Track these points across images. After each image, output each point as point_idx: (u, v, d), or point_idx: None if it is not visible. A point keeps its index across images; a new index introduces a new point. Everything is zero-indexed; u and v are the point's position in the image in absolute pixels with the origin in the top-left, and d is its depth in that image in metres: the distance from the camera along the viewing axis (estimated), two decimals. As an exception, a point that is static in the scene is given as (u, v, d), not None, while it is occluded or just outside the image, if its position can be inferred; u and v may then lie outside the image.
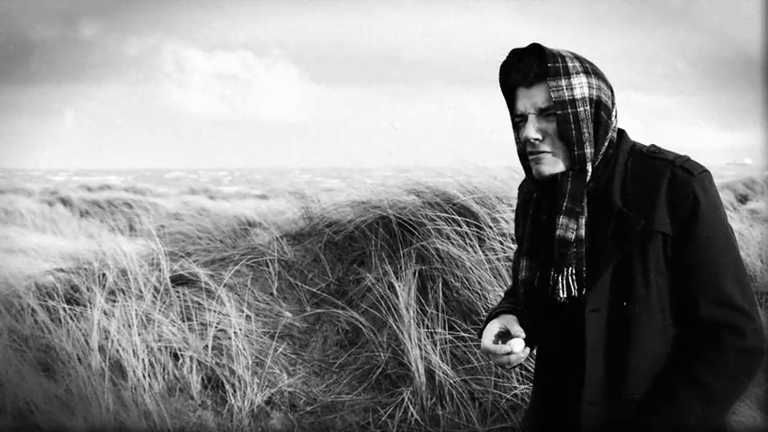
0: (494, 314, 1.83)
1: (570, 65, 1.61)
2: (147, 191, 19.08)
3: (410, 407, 4.01)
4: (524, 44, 1.67)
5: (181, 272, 4.83)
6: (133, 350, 4.23)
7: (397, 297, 4.35)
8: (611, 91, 1.66)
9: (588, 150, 1.62)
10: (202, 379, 4.26)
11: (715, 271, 1.57)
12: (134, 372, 4.12)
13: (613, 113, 1.66)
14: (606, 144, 1.64)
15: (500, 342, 1.74)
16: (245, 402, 4.12)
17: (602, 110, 1.62)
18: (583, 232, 1.64)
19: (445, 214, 4.66)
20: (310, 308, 4.76)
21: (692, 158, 1.64)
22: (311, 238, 5.26)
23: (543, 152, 1.64)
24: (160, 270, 4.80)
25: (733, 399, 1.56)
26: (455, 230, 4.57)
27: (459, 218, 4.61)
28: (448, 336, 4.20)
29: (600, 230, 1.64)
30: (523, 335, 1.70)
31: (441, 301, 4.35)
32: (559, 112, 1.60)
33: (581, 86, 1.60)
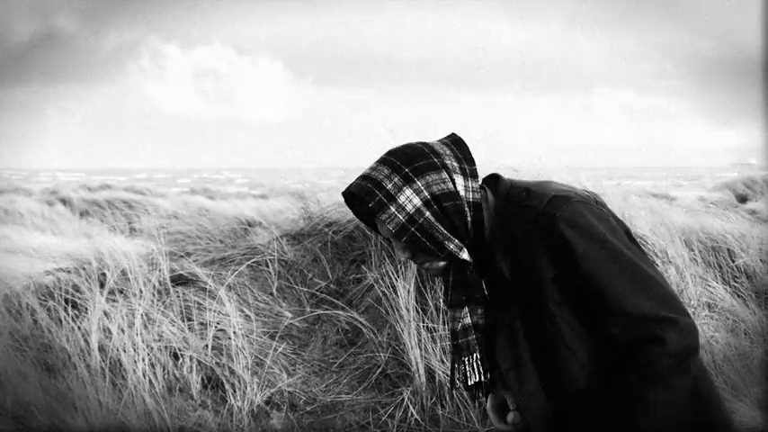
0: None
1: (390, 186, 1.61)
2: (146, 191, 19.09)
3: (410, 407, 4.01)
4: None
5: (181, 272, 4.83)
6: (133, 350, 4.23)
7: (397, 297, 4.35)
8: (446, 167, 1.64)
9: (452, 246, 1.64)
10: (202, 379, 4.26)
11: (611, 295, 1.55)
12: (134, 372, 4.12)
13: (458, 188, 1.64)
14: (469, 218, 1.65)
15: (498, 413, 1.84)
16: (245, 402, 4.12)
17: (443, 201, 1.62)
18: (475, 317, 1.69)
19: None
20: (310, 308, 4.76)
21: (558, 194, 1.62)
22: (311, 237, 5.26)
23: (420, 262, 1.70)
24: (160, 270, 4.80)
25: (674, 401, 1.54)
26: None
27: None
28: (448, 335, 4.20)
29: (496, 293, 1.69)
30: (515, 405, 1.77)
31: (440, 300, 4.35)
32: (404, 237, 1.62)
33: (410, 201, 1.61)
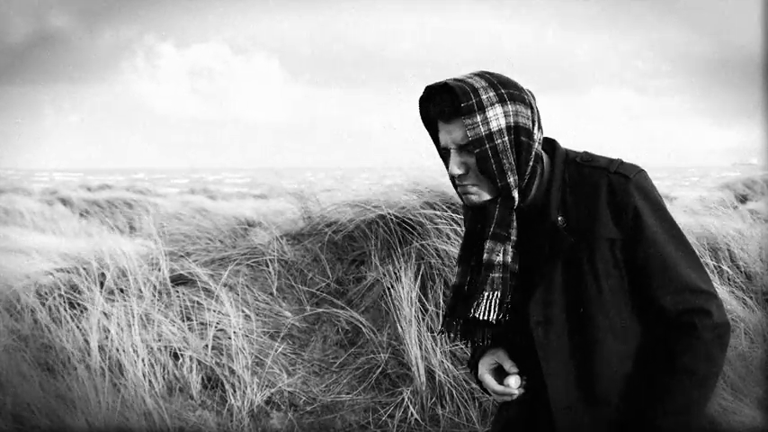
0: (481, 349, 1.86)
1: (484, 97, 1.61)
2: (146, 191, 19.09)
3: (410, 407, 4.01)
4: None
5: (181, 272, 4.83)
6: (133, 350, 4.23)
7: (397, 297, 4.35)
8: (532, 108, 1.66)
9: (512, 179, 1.65)
10: (202, 379, 4.26)
11: (669, 264, 1.62)
12: (134, 372, 4.12)
13: (535, 132, 1.66)
14: (531, 163, 1.66)
15: (495, 378, 1.79)
16: (245, 402, 4.12)
17: (521, 134, 1.63)
18: (509, 258, 1.68)
19: (445, 214, 4.66)
20: (310, 308, 4.75)
21: (625, 161, 1.69)
22: (311, 237, 5.25)
23: (468, 184, 1.68)
24: (160, 270, 4.80)
25: (717, 375, 1.62)
26: (454, 230, 4.57)
27: (458, 217, 4.61)
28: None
29: (538, 245, 1.69)
30: (516, 369, 1.75)
31: (441, 300, 4.35)
32: (477, 150, 1.62)
33: (497, 119, 1.61)
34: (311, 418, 4.10)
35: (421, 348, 4.14)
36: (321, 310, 4.71)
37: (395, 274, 4.52)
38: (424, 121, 1.75)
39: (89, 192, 17.01)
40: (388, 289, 4.45)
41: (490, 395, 1.81)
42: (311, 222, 5.41)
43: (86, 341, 4.26)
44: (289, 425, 4.06)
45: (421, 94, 1.71)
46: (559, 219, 1.67)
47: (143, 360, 4.20)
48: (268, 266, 4.99)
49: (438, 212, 4.70)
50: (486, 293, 1.69)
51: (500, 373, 1.79)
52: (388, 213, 4.90)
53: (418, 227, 4.76)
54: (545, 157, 1.73)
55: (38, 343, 4.35)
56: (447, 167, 1.72)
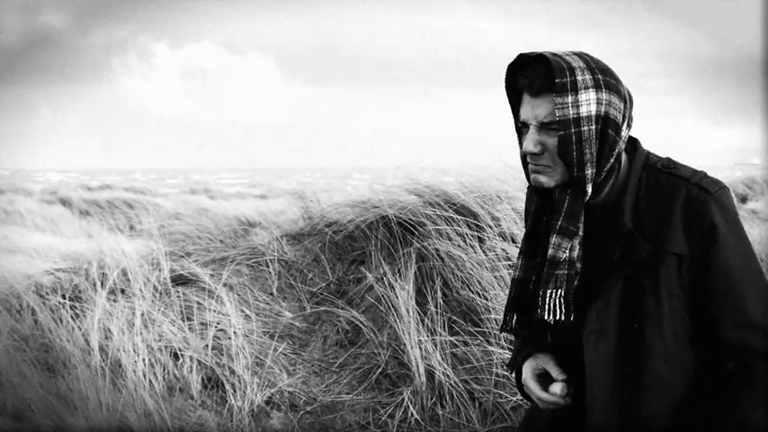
0: (525, 353, 1.75)
1: (580, 78, 1.50)
2: (147, 191, 19.09)
3: (410, 407, 4.01)
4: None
5: (181, 272, 4.83)
6: (133, 350, 4.23)
7: (397, 297, 4.35)
8: (625, 102, 1.56)
9: (589, 172, 1.53)
10: (202, 379, 4.26)
11: (738, 293, 1.49)
12: (134, 371, 4.12)
13: (623, 127, 1.56)
14: (612, 160, 1.55)
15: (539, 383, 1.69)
16: (245, 402, 4.12)
17: (609, 126, 1.53)
18: (576, 254, 1.57)
19: (445, 214, 4.66)
20: (310, 308, 4.76)
21: (709, 174, 1.56)
22: (311, 237, 5.26)
23: (542, 165, 1.57)
24: (160, 270, 4.80)
25: (759, 427, 1.48)
26: (455, 230, 4.57)
27: (458, 217, 4.61)
28: (448, 336, 4.20)
29: (607, 250, 1.57)
30: (563, 377, 1.64)
31: (441, 300, 4.36)
32: (561, 132, 1.51)
33: (588, 104, 1.50)
34: (311, 418, 4.10)
35: (421, 348, 4.14)
36: (321, 309, 4.72)
37: (395, 274, 4.52)
38: (507, 90, 1.63)
39: (89, 192, 17.02)
40: (389, 289, 4.45)
41: (531, 401, 1.70)
42: (311, 222, 5.42)
43: (87, 341, 4.26)
44: (289, 425, 4.06)
45: (513, 60, 1.58)
46: (632, 227, 1.54)
47: (143, 360, 4.20)
48: (268, 266, 4.99)
49: (438, 212, 4.70)
50: (549, 291, 1.57)
51: (545, 380, 1.68)
52: (389, 213, 4.90)
53: (418, 227, 4.76)
54: (624, 157, 1.61)
55: (38, 343, 4.35)
56: (520, 143, 1.61)
